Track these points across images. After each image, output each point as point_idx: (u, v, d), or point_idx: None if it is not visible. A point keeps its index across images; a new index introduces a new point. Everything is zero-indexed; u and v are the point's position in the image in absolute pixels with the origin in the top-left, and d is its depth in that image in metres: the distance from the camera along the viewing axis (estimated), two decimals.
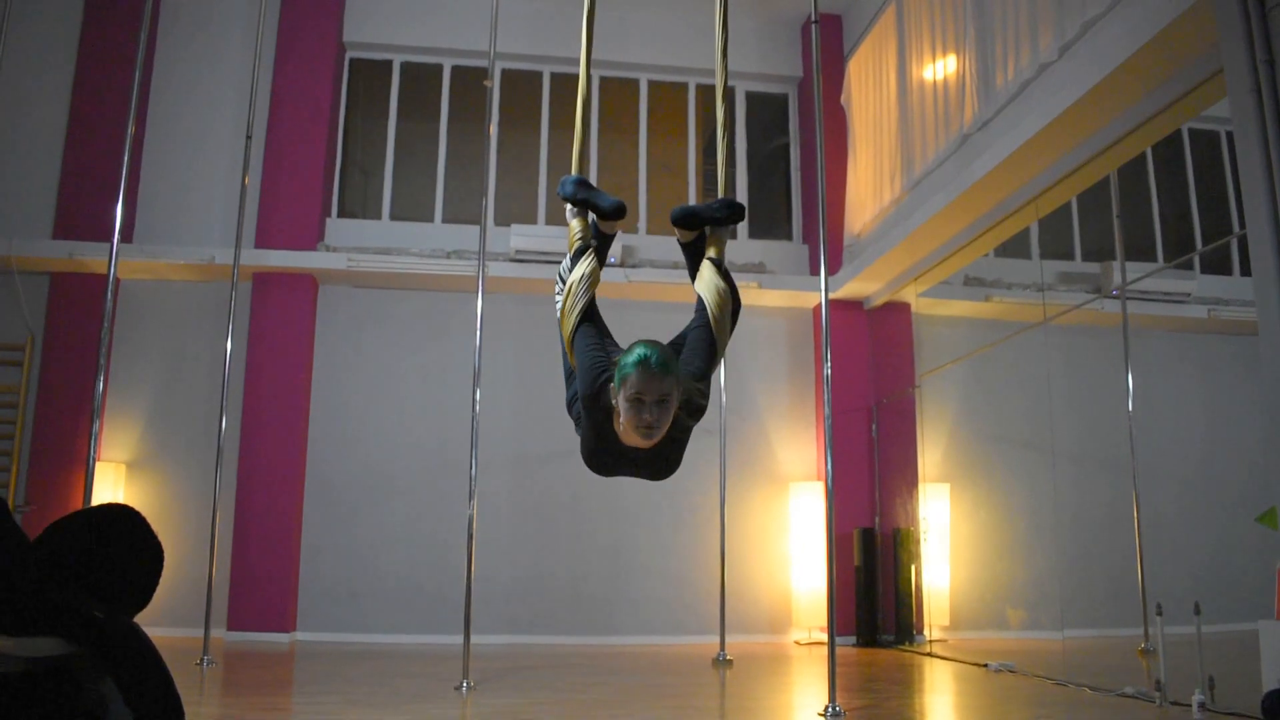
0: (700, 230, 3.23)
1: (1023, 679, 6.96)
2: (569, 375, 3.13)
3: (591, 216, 3.27)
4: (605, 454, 2.95)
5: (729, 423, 8.82)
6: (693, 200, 10.50)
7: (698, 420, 2.97)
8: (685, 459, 3.02)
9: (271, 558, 8.96)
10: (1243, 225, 4.84)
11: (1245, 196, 4.65)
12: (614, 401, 2.81)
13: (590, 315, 3.01)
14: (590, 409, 2.89)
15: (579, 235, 3.19)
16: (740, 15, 9.79)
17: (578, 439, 3.05)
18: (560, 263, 3.20)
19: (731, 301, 3.05)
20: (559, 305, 3.09)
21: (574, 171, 3.35)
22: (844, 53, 10.58)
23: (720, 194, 3.39)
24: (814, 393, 10.21)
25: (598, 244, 3.21)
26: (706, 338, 3.00)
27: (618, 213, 3.21)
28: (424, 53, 10.54)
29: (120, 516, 2.30)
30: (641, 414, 2.75)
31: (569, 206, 3.28)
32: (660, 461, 2.95)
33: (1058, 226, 7.70)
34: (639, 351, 2.78)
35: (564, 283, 3.12)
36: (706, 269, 3.10)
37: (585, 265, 3.06)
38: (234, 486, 8.99)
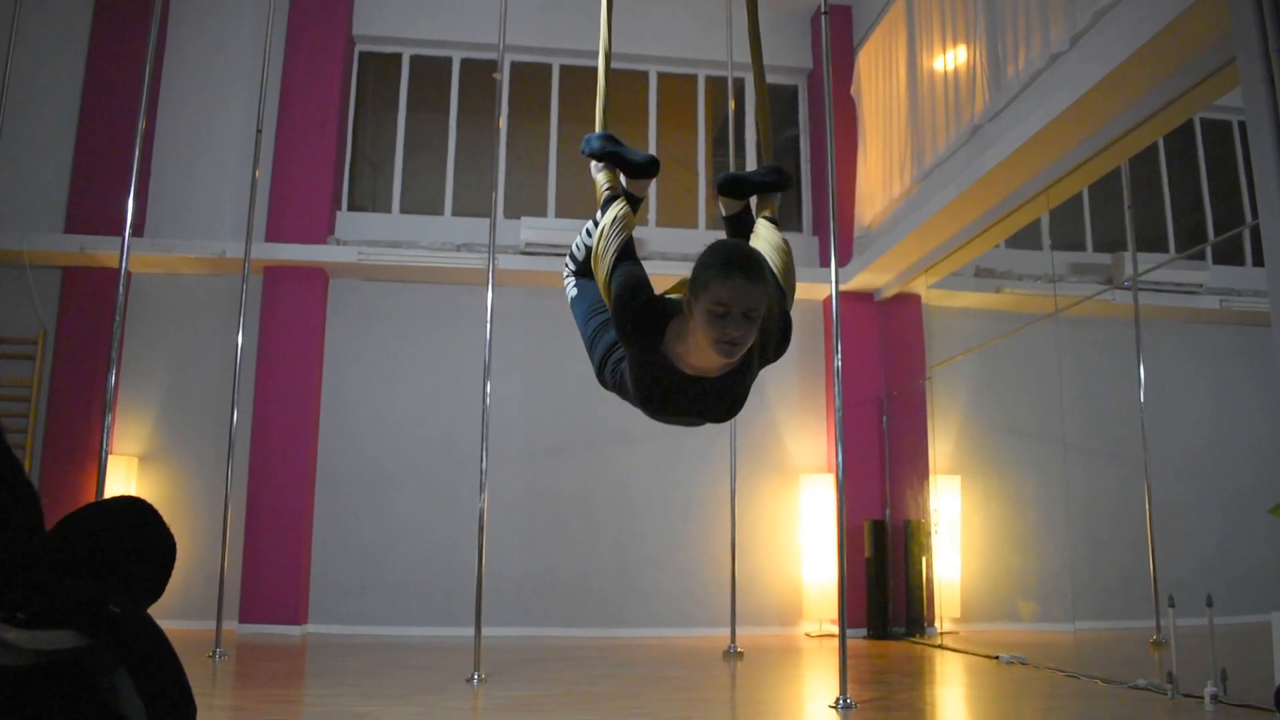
0: (745, 200, 3.00)
1: (1034, 671, 6.96)
2: (591, 342, 2.83)
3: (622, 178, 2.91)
4: (663, 388, 2.52)
5: (739, 415, 8.80)
6: (702, 198, 10.49)
7: (777, 358, 2.61)
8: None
9: (283, 550, 8.99)
10: (1255, 215, 4.82)
11: (1258, 186, 4.62)
12: (689, 312, 2.40)
13: (628, 254, 2.65)
14: (635, 333, 2.48)
15: (607, 186, 2.85)
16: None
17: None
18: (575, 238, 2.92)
19: (792, 262, 2.73)
20: (576, 253, 2.85)
21: (598, 129, 3.03)
22: (854, 44, 10.55)
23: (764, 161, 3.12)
24: (824, 385, 10.20)
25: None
26: (776, 283, 2.61)
27: (652, 167, 2.85)
28: (433, 46, 10.53)
29: (133, 509, 2.30)
30: (726, 328, 2.32)
31: (594, 163, 2.96)
32: (730, 393, 2.56)
33: (1069, 217, 7.67)
34: (726, 251, 2.38)
35: (576, 257, 2.89)
36: (764, 226, 2.85)
37: (618, 208, 2.74)
38: (245, 479, 9.02)
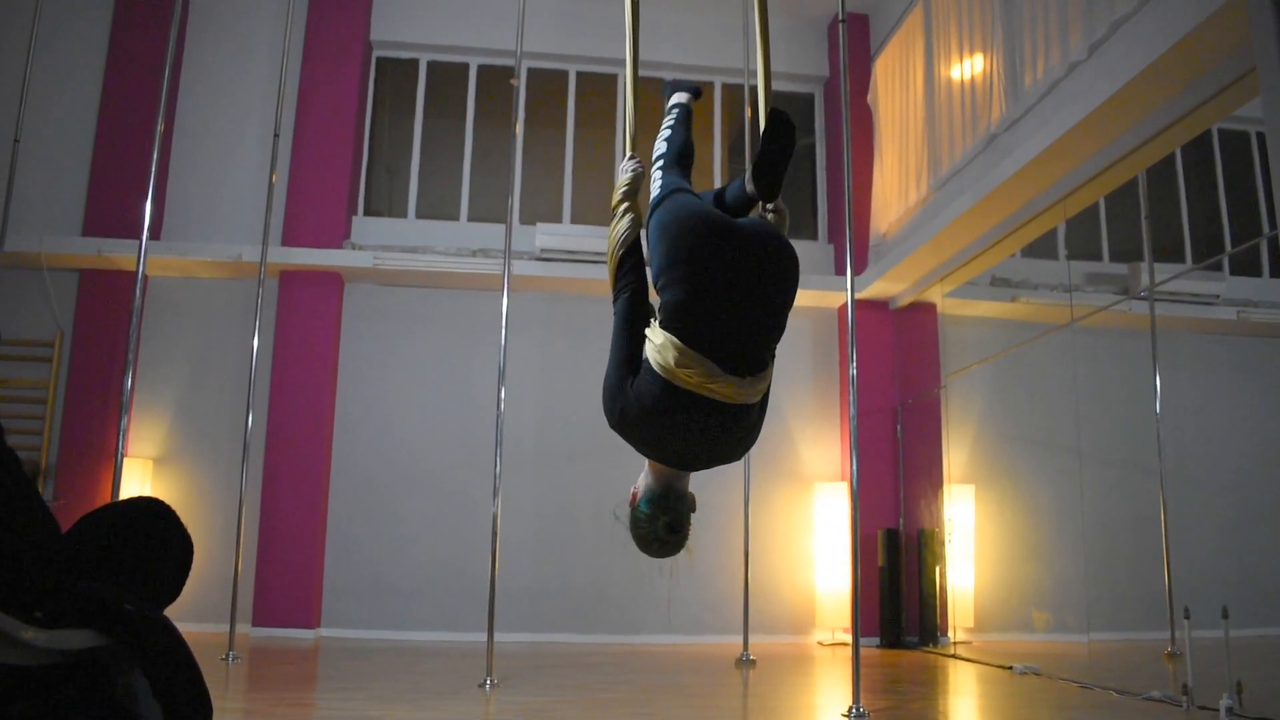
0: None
1: (1048, 682, 6.92)
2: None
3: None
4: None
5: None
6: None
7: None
8: None
9: (297, 554, 9.01)
10: (1273, 226, 4.80)
11: (1276, 197, 4.60)
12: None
13: (632, 274, 2.87)
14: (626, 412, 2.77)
15: (624, 189, 3.01)
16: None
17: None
18: (618, 221, 2.96)
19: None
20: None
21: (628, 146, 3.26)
22: (871, 52, 10.54)
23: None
24: (839, 393, 10.18)
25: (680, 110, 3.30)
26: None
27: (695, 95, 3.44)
28: (450, 52, 10.57)
29: (151, 509, 2.31)
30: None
31: (629, 162, 3.11)
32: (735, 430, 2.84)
33: (1085, 227, 7.65)
34: (653, 542, 2.96)
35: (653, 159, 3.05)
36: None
37: (624, 227, 2.92)
38: (260, 482, 9.04)
